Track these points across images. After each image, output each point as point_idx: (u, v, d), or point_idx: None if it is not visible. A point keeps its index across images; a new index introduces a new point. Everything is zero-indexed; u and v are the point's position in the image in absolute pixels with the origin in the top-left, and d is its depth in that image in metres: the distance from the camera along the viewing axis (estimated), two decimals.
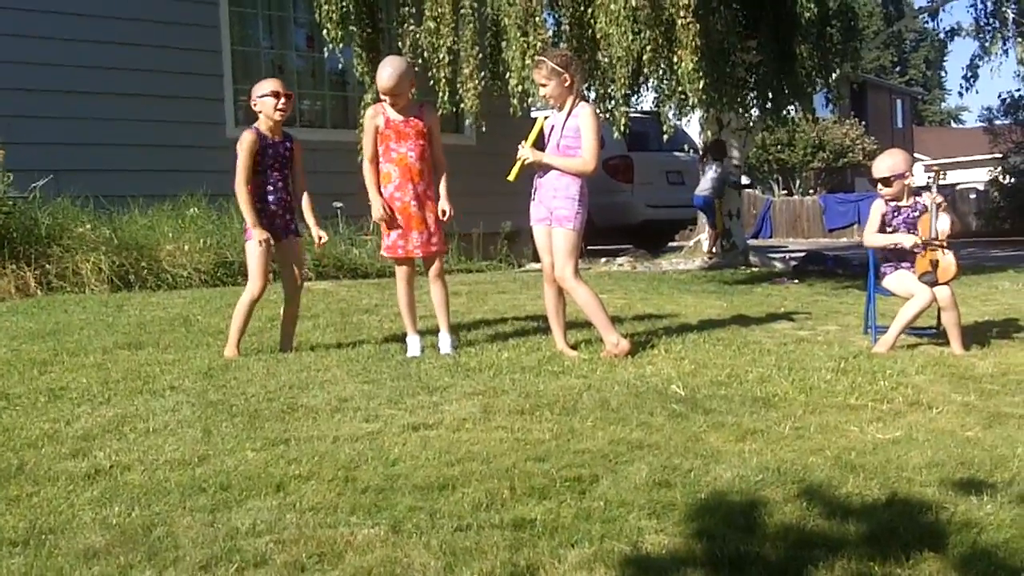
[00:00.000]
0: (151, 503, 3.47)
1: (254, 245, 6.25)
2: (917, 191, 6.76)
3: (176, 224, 10.43)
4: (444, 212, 6.44)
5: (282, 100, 6.35)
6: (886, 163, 6.65)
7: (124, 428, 4.44)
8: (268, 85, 6.42)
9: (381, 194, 6.41)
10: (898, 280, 6.64)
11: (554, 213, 6.29)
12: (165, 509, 3.41)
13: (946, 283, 6.47)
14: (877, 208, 6.73)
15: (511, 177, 6.40)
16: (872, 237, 6.78)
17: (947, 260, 6.47)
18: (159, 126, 11.58)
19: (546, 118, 6.42)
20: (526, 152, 6.27)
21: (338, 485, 3.61)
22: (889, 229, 6.66)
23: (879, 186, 6.67)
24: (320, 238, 6.55)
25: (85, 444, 4.18)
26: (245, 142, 6.23)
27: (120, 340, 6.87)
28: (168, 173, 11.22)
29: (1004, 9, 15.16)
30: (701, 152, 15.46)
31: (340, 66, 12.66)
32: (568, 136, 6.24)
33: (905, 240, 6.55)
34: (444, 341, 6.47)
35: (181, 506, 3.44)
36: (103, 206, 10.37)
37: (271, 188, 6.34)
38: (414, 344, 6.41)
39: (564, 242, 6.28)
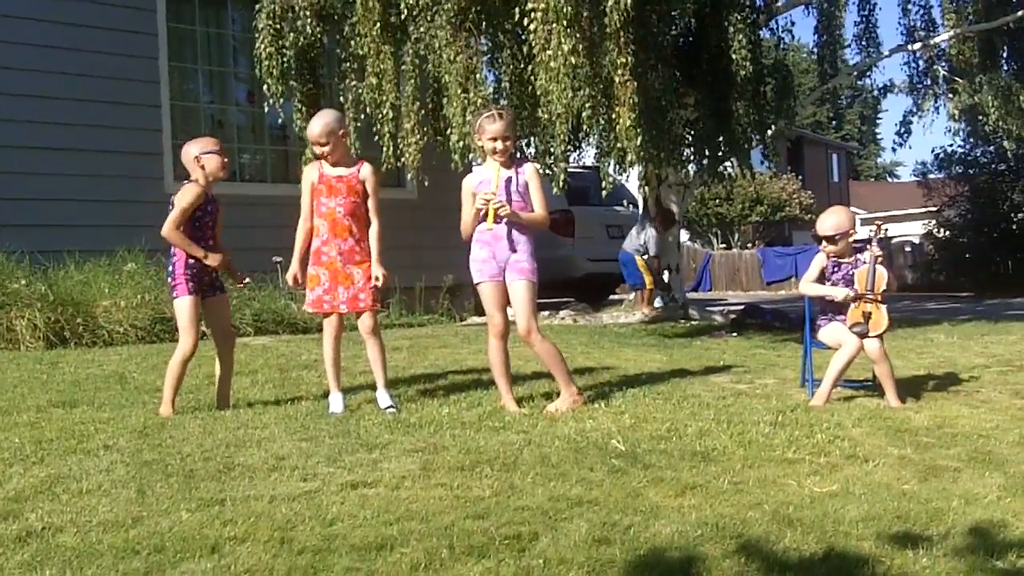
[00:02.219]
0: (83, 566, 3.39)
1: (183, 303, 6.21)
2: (859, 247, 6.87)
3: (113, 280, 10.31)
4: (377, 278, 6.42)
5: (225, 159, 6.40)
6: (831, 221, 6.75)
7: (57, 489, 4.34)
8: (211, 143, 6.43)
9: (303, 257, 6.44)
10: (830, 332, 6.75)
11: (516, 266, 6.30)
12: (98, 572, 3.34)
13: (877, 336, 6.57)
14: (819, 260, 6.84)
15: (490, 224, 6.29)
16: (807, 286, 6.90)
17: (880, 313, 6.57)
18: (96, 180, 11.49)
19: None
20: (501, 201, 6.23)
21: (274, 546, 3.56)
22: (828, 283, 6.76)
23: (824, 243, 6.76)
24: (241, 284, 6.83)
25: (16, 506, 4.08)
26: (191, 193, 6.18)
27: (54, 398, 6.76)
28: (105, 228, 11.12)
29: (936, 67, 15.53)
30: (643, 208, 15.59)
31: (280, 121, 12.66)
32: (520, 192, 6.28)
33: (837, 293, 6.66)
34: (382, 397, 6.43)
35: (114, 569, 3.37)
36: (39, 261, 10.24)
37: (202, 246, 6.29)
38: (336, 401, 6.37)
39: (529, 295, 6.32)
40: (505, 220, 6.25)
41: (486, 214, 6.21)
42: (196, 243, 6.25)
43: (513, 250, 6.31)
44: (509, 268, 6.32)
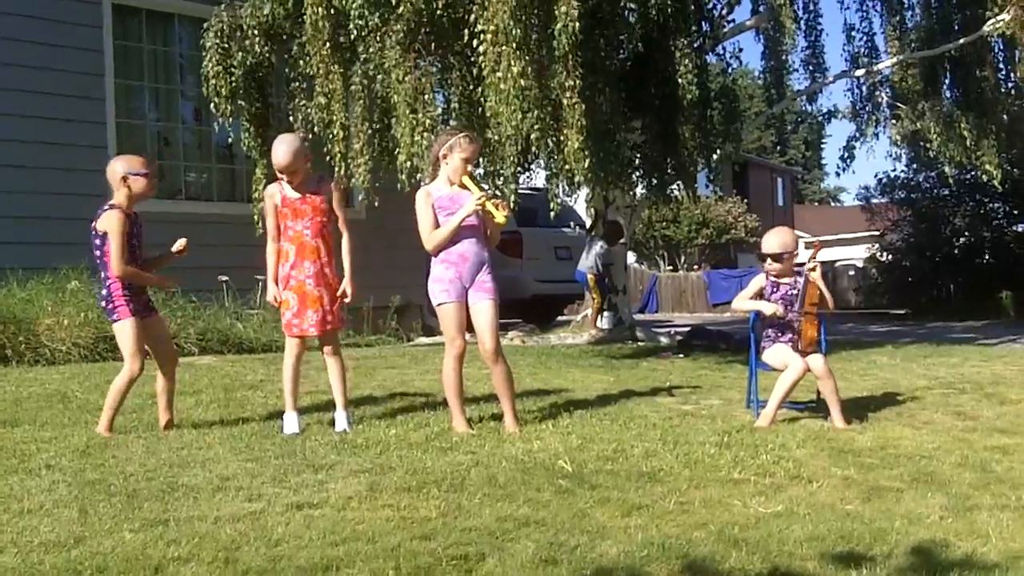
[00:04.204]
0: None
1: (127, 325, 6.11)
2: (798, 269, 6.95)
3: (56, 298, 10.17)
4: (345, 293, 6.41)
5: (153, 180, 6.36)
6: (777, 240, 6.83)
7: None
8: (140, 164, 6.30)
9: (277, 277, 6.41)
10: (774, 353, 6.81)
11: (483, 286, 6.34)
12: None
13: (815, 352, 6.66)
14: (758, 280, 6.92)
15: (503, 219, 6.32)
16: (739, 301, 7.02)
17: (810, 327, 6.67)
18: (39, 198, 11.34)
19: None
20: (496, 198, 6.33)
21: (218, 567, 3.53)
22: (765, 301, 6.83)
23: (768, 262, 6.83)
24: None
25: None
26: (117, 221, 6.05)
27: None
28: (48, 246, 10.96)
29: (878, 93, 15.75)
30: (589, 228, 15.67)
31: (229, 139, 12.58)
32: (478, 213, 6.31)
33: (765, 308, 6.74)
34: (340, 418, 6.41)
35: None
36: None
37: (135, 266, 6.21)
38: (291, 421, 6.32)
39: (496, 314, 6.38)
40: (476, 240, 6.32)
41: (481, 220, 6.30)
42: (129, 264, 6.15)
43: (478, 270, 6.33)
44: (475, 288, 6.34)
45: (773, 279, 6.85)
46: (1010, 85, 14.75)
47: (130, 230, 6.16)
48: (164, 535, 3.88)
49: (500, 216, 6.27)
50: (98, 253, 6.14)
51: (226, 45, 11.52)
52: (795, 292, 6.77)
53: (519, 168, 11.16)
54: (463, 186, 6.33)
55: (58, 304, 10.09)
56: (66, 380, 8.32)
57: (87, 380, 8.23)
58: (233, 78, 11.48)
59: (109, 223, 6.07)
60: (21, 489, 4.62)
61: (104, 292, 6.19)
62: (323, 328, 6.40)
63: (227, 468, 5.06)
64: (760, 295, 6.89)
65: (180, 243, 6.43)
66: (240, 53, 11.49)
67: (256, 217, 11.04)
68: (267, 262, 6.49)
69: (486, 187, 6.48)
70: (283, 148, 6.31)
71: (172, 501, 4.42)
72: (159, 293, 10.51)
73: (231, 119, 11.75)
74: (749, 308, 6.94)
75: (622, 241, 14.75)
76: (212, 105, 11.61)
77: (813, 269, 6.77)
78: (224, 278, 10.90)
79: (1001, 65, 14.68)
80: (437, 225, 6.33)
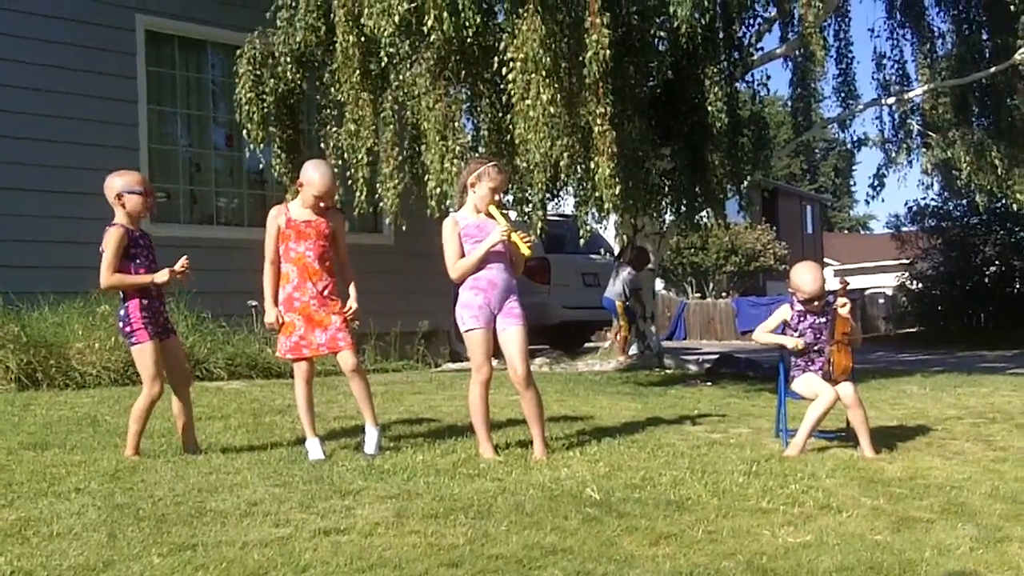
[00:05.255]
0: None
1: (146, 349, 6.10)
2: (826, 301, 6.89)
3: (87, 322, 10.25)
4: (351, 308, 6.43)
5: (150, 199, 6.32)
6: (819, 282, 6.71)
7: (27, 532, 4.30)
8: (135, 181, 6.31)
9: (277, 300, 6.41)
10: (804, 382, 6.76)
11: (512, 312, 6.35)
12: None
13: (846, 380, 6.61)
14: (782, 311, 6.87)
15: (529, 253, 6.37)
16: (760, 334, 6.94)
17: (840, 356, 6.61)
18: (72, 222, 11.42)
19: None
20: (523, 233, 6.35)
21: None
22: (795, 333, 6.79)
23: (809, 303, 6.73)
24: None
25: None
26: (114, 237, 6.06)
27: (25, 440, 6.71)
28: (80, 270, 10.99)
29: (909, 121, 15.72)
30: (618, 255, 15.67)
31: (260, 165, 12.68)
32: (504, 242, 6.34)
33: (788, 342, 6.70)
34: (370, 436, 6.39)
35: None
36: (12, 302, 10.19)
37: (151, 284, 6.20)
38: (315, 448, 6.32)
39: (525, 340, 6.39)
40: (503, 266, 6.34)
41: (509, 249, 6.34)
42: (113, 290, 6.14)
43: (506, 297, 6.35)
44: (503, 314, 6.35)
45: (799, 310, 6.80)
46: None
47: (133, 246, 6.15)
48: (192, 560, 3.89)
49: (525, 249, 6.30)
50: None
51: (258, 72, 11.63)
52: (824, 321, 6.73)
53: (547, 195, 11.18)
54: (490, 215, 6.35)
55: (89, 328, 10.17)
56: (96, 404, 8.38)
57: (117, 404, 8.28)
58: (265, 104, 11.59)
59: (107, 239, 6.09)
60: (50, 512, 4.64)
61: (122, 313, 6.18)
62: (335, 346, 6.36)
63: (255, 493, 5.07)
64: (786, 325, 6.85)
65: (181, 262, 6.29)
66: (272, 80, 11.60)
67: None
68: (264, 285, 6.46)
69: (513, 215, 6.48)
70: (327, 173, 6.40)
71: (200, 526, 4.43)
72: (190, 318, 10.63)
73: (262, 145, 11.85)
74: (771, 342, 6.90)
75: (650, 267, 14.73)
76: (244, 131, 11.71)
77: (843, 306, 6.72)
78: (253, 303, 10.94)
79: None
80: (463, 253, 6.35)
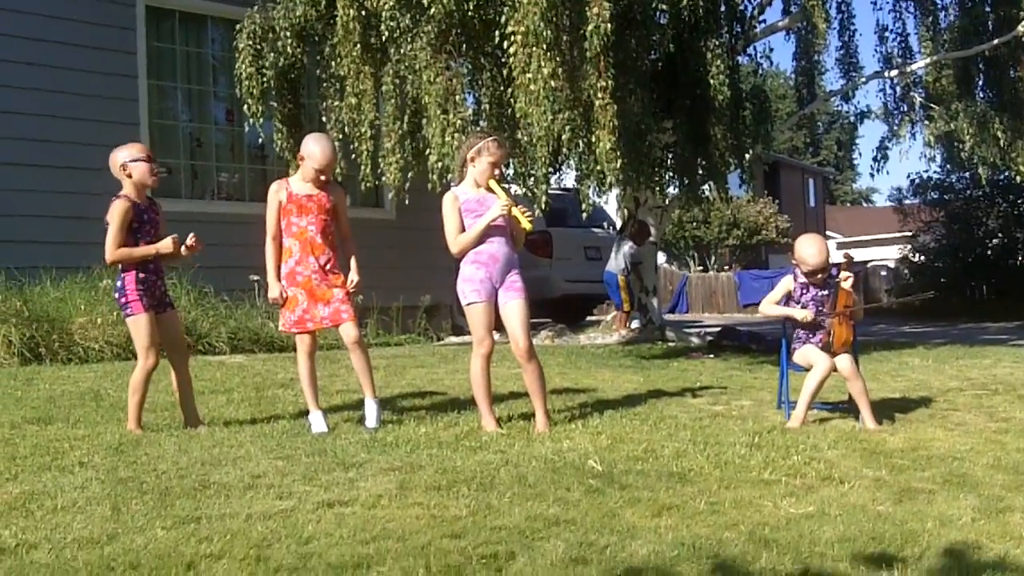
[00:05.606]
0: None
1: (140, 320, 6.11)
2: (829, 274, 6.89)
3: (89, 296, 10.26)
4: (353, 280, 6.43)
5: (155, 165, 6.29)
6: (823, 254, 6.71)
7: (31, 505, 4.32)
8: (138, 150, 6.31)
9: (279, 275, 6.40)
10: (802, 354, 6.78)
11: (513, 286, 6.37)
12: None
13: (846, 353, 6.61)
14: (786, 282, 6.87)
15: (530, 227, 6.38)
16: (768, 306, 6.94)
17: (842, 328, 6.62)
18: (73, 197, 11.42)
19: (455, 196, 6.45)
20: (523, 207, 6.34)
21: (250, 564, 3.54)
22: (798, 305, 6.79)
23: (812, 275, 6.73)
24: None
25: None
26: (119, 209, 6.06)
27: (29, 415, 6.73)
28: (82, 245, 11.03)
29: (911, 94, 15.66)
30: (620, 229, 15.66)
31: (260, 140, 12.66)
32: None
33: (796, 314, 6.71)
34: (370, 409, 6.40)
35: None
36: (14, 277, 10.20)
37: (155, 255, 6.21)
38: (318, 420, 6.33)
39: (527, 313, 6.41)
40: (504, 240, 6.35)
41: (508, 221, 6.34)
42: (119, 263, 6.15)
43: (508, 270, 6.35)
44: (505, 288, 6.36)
45: (802, 282, 6.80)
46: None
47: (137, 219, 6.15)
48: (196, 532, 3.91)
49: (525, 223, 6.30)
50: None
51: (259, 46, 11.59)
52: (826, 294, 6.73)
53: (549, 169, 11.16)
54: (490, 189, 6.34)
55: (91, 303, 10.18)
56: (99, 378, 8.39)
57: (120, 378, 8.28)
58: (265, 79, 11.56)
59: (112, 211, 6.10)
60: (54, 486, 4.65)
61: (118, 284, 6.20)
62: (338, 319, 6.37)
63: (258, 466, 5.09)
64: (788, 297, 6.86)
65: (190, 239, 6.29)
66: (272, 54, 11.56)
67: None
68: (267, 260, 6.45)
69: (514, 189, 6.47)
70: (328, 146, 6.41)
71: (204, 499, 4.45)
72: (192, 292, 10.64)
73: (263, 120, 11.83)
74: (779, 314, 6.89)
75: (652, 240, 14.72)
76: (245, 106, 11.69)
77: (846, 279, 6.73)
78: (255, 278, 10.95)
79: None
80: (463, 228, 6.35)
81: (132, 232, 6.15)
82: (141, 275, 6.16)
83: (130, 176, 6.20)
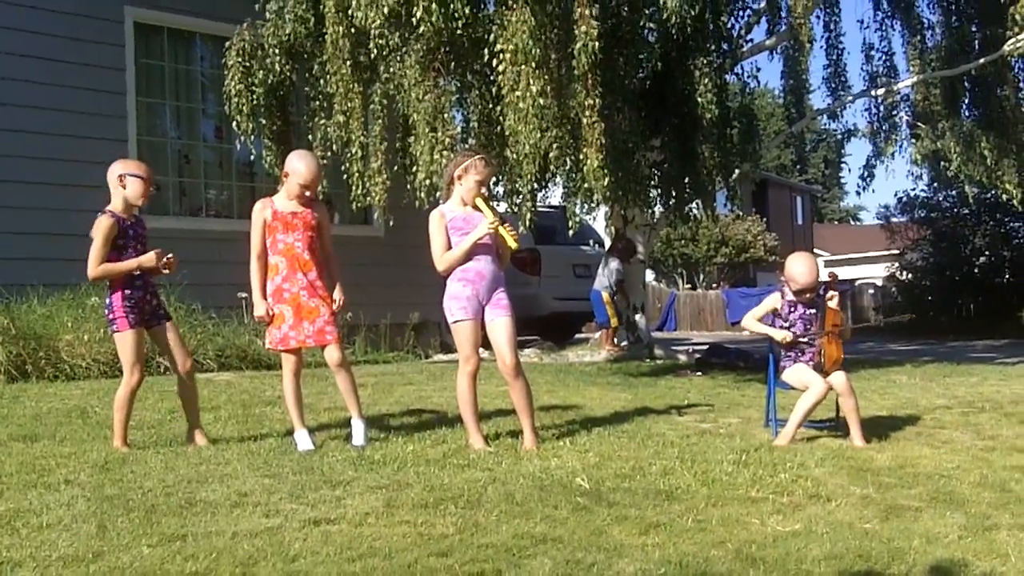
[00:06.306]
0: None
1: (126, 337, 6.13)
2: (817, 293, 6.90)
3: (76, 314, 10.22)
4: (337, 301, 6.43)
5: (150, 187, 6.31)
6: (814, 273, 6.73)
7: (16, 523, 4.31)
8: (141, 169, 6.32)
9: (265, 293, 6.40)
10: (795, 373, 6.78)
11: (500, 304, 6.39)
12: None
13: (839, 369, 6.64)
14: (772, 299, 6.89)
15: (516, 246, 6.37)
16: (750, 321, 6.97)
17: (831, 347, 6.65)
18: (61, 214, 11.38)
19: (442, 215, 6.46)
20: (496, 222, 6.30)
21: None
22: (785, 324, 6.81)
23: (802, 294, 6.74)
24: None
25: None
26: (103, 227, 6.07)
27: (15, 432, 6.71)
28: (68, 262, 10.97)
29: (896, 112, 15.74)
30: (609, 247, 15.67)
31: (250, 157, 12.66)
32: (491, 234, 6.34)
33: (776, 334, 6.73)
34: (357, 429, 6.41)
35: None
36: (1, 295, 10.15)
37: (137, 272, 6.22)
38: (303, 439, 6.32)
39: (514, 331, 6.42)
40: (491, 258, 6.36)
41: (496, 241, 6.34)
42: (128, 273, 6.15)
43: (494, 288, 6.36)
44: (491, 305, 6.37)
45: (790, 300, 6.82)
46: None
47: (123, 234, 6.15)
48: (182, 550, 3.89)
49: (511, 242, 6.31)
50: None
51: (248, 63, 11.59)
52: (814, 312, 6.74)
53: (537, 186, 11.18)
54: (476, 208, 6.36)
55: (78, 320, 10.14)
56: (86, 396, 8.36)
57: (106, 396, 8.23)
58: (254, 96, 11.56)
59: (96, 227, 6.11)
60: (40, 504, 4.64)
61: (107, 301, 6.22)
62: (322, 339, 6.38)
63: (245, 484, 5.08)
64: (775, 315, 6.87)
65: (166, 258, 6.30)
66: (261, 71, 11.56)
67: None
68: (252, 278, 6.44)
69: (502, 207, 6.48)
70: (313, 163, 6.44)
71: (190, 516, 4.43)
72: (180, 309, 10.62)
73: (252, 137, 11.82)
74: (759, 331, 6.92)
75: (639, 259, 14.74)
76: (234, 123, 11.69)
77: (831, 299, 6.76)
78: (243, 295, 10.91)
79: (1022, 84, 14.65)
80: (450, 245, 6.36)
81: (117, 249, 6.15)
82: (127, 291, 6.16)
83: (124, 188, 6.20)
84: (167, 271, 6.33)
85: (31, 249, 11.19)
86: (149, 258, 6.17)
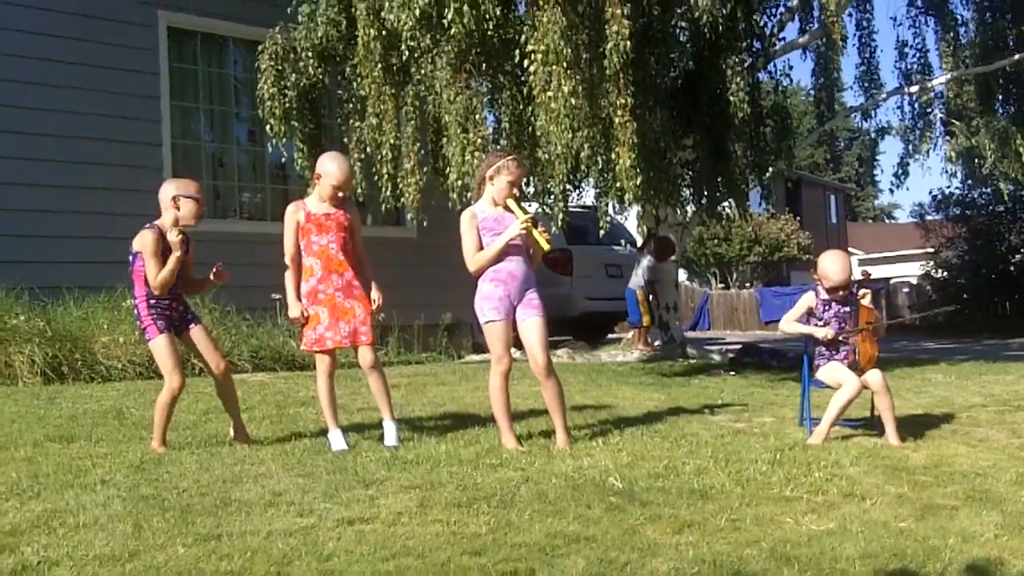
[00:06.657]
0: None
1: (158, 343, 6.18)
2: (850, 291, 6.86)
3: (112, 316, 10.32)
4: (374, 300, 6.47)
5: (202, 208, 6.41)
6: (847, 271, 6.68)
7: (53, 523, 4.34)
8: (194, 189, 6.39)
9: (299, 295, 6.43)
10: (829, 371, 6.74)
11: (531, 304, 6.38)
12: None
13: (875, 367, 6.60)
14: (807, 299, 6.84)
15: (549, 247, 6.40)
16: (788, 324, 6.91)
17: (866, 345, 6.61)
18: (96, 217, 11.52)
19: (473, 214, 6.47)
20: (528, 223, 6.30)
21: None
22: (820, 322, 6.77)
23: (834, 292, 6.71)
24: None
25: (12, 540, 4.08)
26: (148, 242, 6.12)
27: (51, 433, 6.77)
28: (104, 264, 11.11)
29: (931, 110, 15.64)
30: (640, 246, 15.64)
31: (282, 160, 12.73)
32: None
33: (817, 332, 6.69)
34: (389, 430, 6.43)
35: None
36: (38, 297, 10.27)
37: (175, 285, 6.29)
38: (337, 439, 6.34)
39: (546, 331, 6.43)
40: (522, 259, 6.37)
41: (527, 241, 6.35)
42: (169, 286, 6.24)
43: (526, 288, 6.37)
44: (523, 305, 6.37)
45: (825, 299, 6.78)
46: None
47: (166, 248, 6.20)
48: (217, 550, 3.92)
49: (544, 243, 6.31)
50: (130, 271, 6.23)
51: (280, 67, 11.67)
52: (848, 310, 6.70)
53: (569, 186, 11.17)
54: (508, 208, 6.36)
55: (114, 322, 10.24)
56: (121, 397, 8.44)
57: (142, 397, 8.33)
58: (287, 99, 11.63)
59: (141, 242, 6.16)
60: (76, 504, 4.68)
61: (134, 310, 6.32)
62: (356, 340, 6.40)
63: (279, 484, 5.10)
64: (810, 314, 6.84)
65: (216, 268, 6.46)
66: (294, 75, 11.64)
67: None
68: (287, 281, 6.48)
69: (533, 207, 6.49)
70: (344, 164, 6.50)
71: (225, 516, 4.46)
72: (215, 311, 10.70)
73: (285, 140, 11.89)
74: (800, 332, 6.86)
75: (673, 258, 14.70)
76: (267, 126, 11.77)
77: (863, 297, 6.73)
78: (277, 296, 10.96)
79: None
80: (481, 246, 6.36)
81: (161, 258, 6.20)
82: (152, 300, 6.22)
83: (178, 209, 6.26)
84: (218, 279, 6.48)
85: (67, 252, 11.31)
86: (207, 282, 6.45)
